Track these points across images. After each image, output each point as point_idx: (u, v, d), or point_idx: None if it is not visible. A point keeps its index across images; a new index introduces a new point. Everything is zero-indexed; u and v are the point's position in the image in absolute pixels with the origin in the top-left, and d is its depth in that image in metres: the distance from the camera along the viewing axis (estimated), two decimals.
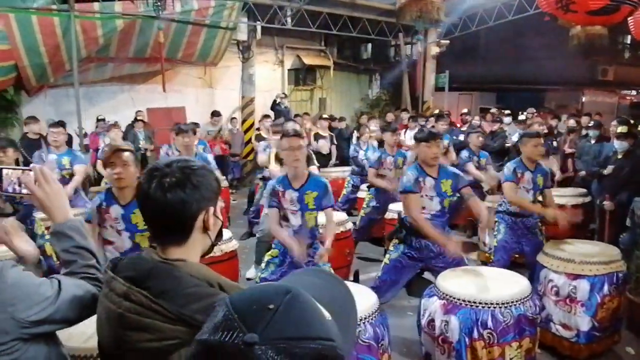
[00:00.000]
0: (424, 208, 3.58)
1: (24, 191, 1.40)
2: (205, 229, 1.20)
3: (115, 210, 2.91)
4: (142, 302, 1.06)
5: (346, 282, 3.15)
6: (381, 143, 6.94)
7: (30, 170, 1.39)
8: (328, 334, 0.64)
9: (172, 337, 1.03)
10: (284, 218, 3.40)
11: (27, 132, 7.10)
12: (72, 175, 5.21)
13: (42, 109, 8.94)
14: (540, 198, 4.15)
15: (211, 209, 1.20)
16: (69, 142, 7.51)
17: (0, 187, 1.41)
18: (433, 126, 7.62)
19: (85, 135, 8.65)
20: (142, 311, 1.06)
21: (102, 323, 1.16)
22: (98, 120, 8.85)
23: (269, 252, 3.55)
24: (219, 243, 3.94)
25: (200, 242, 1.21)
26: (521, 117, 8.85)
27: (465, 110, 10.66)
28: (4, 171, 1.41)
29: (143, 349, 1.05)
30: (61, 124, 5.82)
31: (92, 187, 6.11)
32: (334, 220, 3.62)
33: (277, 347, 0.60)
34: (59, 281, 1.29)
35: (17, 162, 6.45)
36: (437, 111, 10.01)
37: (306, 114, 10.68)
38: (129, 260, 1.19)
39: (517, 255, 4.40)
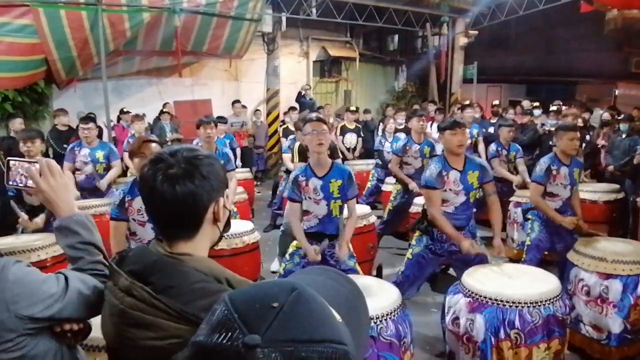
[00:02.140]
0: (447, 201, 3.49)
1: (30, 183, 1.37)
2: (215, 220, 1.15)
3: (139, 202, 2.91)
4: (144, 298, 1.02)
5: (369, 276, 3.12)
6: (407, 132, 6.84)
7: (36, 162, 1.36)
8: (339, 337, 0.58)
9: (176, 336, 0.99)
10: (306, 211, 3.35)
11: (56, 124, 7.28)
12: (106, 169, 5.24)
13: (72, 102, 9.12)
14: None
15: (221, 200, 1.15)
16: (100, 134, 7.64)
17: (7, 178, 1.40)
18: (462, 116, 7.47)
19: (113, 127, 8.80)
20: (144, 308, 1.01)
21: (106, 318, 1.12)
22: (122, 112, 8.96)
23: (294, 244, 3.50)
24: (241, 234, 4.01)
25: (209, 234, 1.16)
26: (553, 107, 8.57)
27: (496, 102, 10.43)
28: (12, 162, 1.39)
29: (145, 347, 1.01)
30: (91, 118, 5.89)
31: (119, 178, 6.19)
32: (357, 213, 3.54)
33: (281, 350, 0.54)
34: (66, 277, 1.24)
35: (45, 154, 6.61)
36: (467, 102, 9.84)
37: (327, 104, 10.61)
38: (134, 253, 1.15)
39: (546, 253, 4.28)
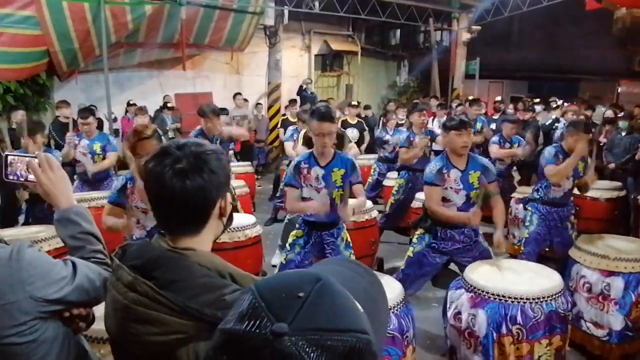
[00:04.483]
0: (448, 201, 3.47)
1: (30, 177, 1.42)
2: (221, 215, 1.16)
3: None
4: (147, 293, 1.01)
5: None
6: (408, 127, 6.83)
7: (35, 157, 1.40)
8: (362, 327, 0.59)
9: (179, 332, 0.99)
10: (307, 199, 3.32)
11: (58, 116, 7.29)
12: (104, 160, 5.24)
13: (73, 94, 9.10)
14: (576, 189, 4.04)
15: (228, 195, 1.16)
16: (100, 126, 7.63)
17: (6, 173, 1.44)
18: (464, 112, 7.44)
19: (115, 119, 8.80)
20: (147, 303, 1.00)
21: (109, 313, 1.12)
22: (129, 105, 8.99)
23: (293, 233, 3.50)
24: (244, 228, 4.01)
25: (214, 229, 1.16)
26: (554, 104, 8.55)
27: (498, 98, 10.41)
28: (10, 157, 1.44)
29: (149, 343, 1.01)
30: (89, 110, 5.87)
31: (120, 169, 6.19)
32: (364, 197, 3.50)
33: (308, 339, 0.55)
34: (73, 262, 1.28)
35: (47, 145, 6.59)
36: (471, 97, 9.79)
37: (331, 99, 10.58)
38: (137, 248, 1.14)
39: (547, 249, 4.29)
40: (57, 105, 7.34)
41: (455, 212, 3.39)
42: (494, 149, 5.75)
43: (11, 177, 1.44)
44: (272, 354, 0.55)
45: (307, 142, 4.92)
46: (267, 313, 0.58)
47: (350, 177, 3.30)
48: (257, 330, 0.57)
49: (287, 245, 3.52)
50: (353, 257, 3.44)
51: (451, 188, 3.45)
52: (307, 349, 0.55)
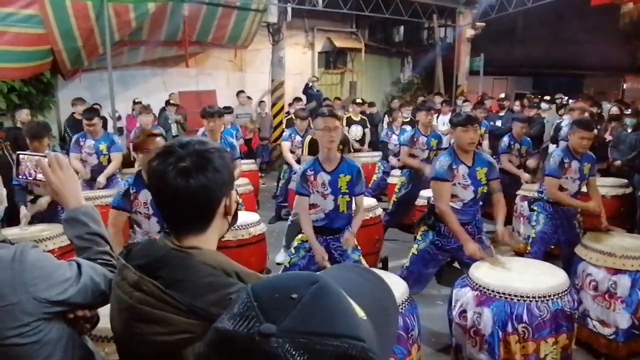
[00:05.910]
0: (456, 197, 3.45)
1: (39, 176, 1.42)
2: (226, 214, 1.15)
3: (145, 195, 2.90)
4: (153, 292, 1.00)
5: (374, 269, 3.12)
6: (413, 125, 6.82)
7: (45, 156, 1.41)
8: (357, 333, 0.57)
9: (185, 331, 0.98)
10: (313, 205, 3.31)
11: (73, 113, 7.49)
12: (110, 160, 5.24)
13: (77, 92, 9.08)
14: (584, 187, 4.00)
15: (233, 193, 1.15)
16: (104, 124, 7.64)
17: (17, 171, 1.44)
18: (472, 109, 7.42)
19: (119, 118, 8.81)
20: (153, 303, 1.00)
21: (114, 312, 1.11)
22: (135, 103, 9.01)
23: (299, 237, 3.47)
24: (248, 226, 4.01)
25: (219, 227, 1.15)
26: (560, 101, 8.51)
27: (502, 95, 10.37)
28: (21, 156, 1.44)
29: (154, 342, 1.00)
30: (94, 110, 5.87)
31: (125, 168, 6.19)
32: (364, 207, 3.51)
33: (295, 342, 0.53)
34: (78, 264, 1.27)
35: (62, 140, 6.61)
36: (480, 94, 9.74)
37: (337, 98, 10.57)
38: (142, 247, 1.13)
39: (552, 247, 4.27)
40: (73, 103, 7.60)
41: (459, 228, 3.31)
42: (504, 160, 5.66)
43: (21, 177, 1.45)
44: (259, 355, 0.54)
45: (312, 149, 4.92)
46: (258, 313, 0.57)
47: (355, 186, 3.28)
48: (246, 330, 0.55)
49: (291, 248, 3.50)
50: (362, 260, 3.42)
51: (459, 184, 3.43)
52: (294, 352, 0.53)
